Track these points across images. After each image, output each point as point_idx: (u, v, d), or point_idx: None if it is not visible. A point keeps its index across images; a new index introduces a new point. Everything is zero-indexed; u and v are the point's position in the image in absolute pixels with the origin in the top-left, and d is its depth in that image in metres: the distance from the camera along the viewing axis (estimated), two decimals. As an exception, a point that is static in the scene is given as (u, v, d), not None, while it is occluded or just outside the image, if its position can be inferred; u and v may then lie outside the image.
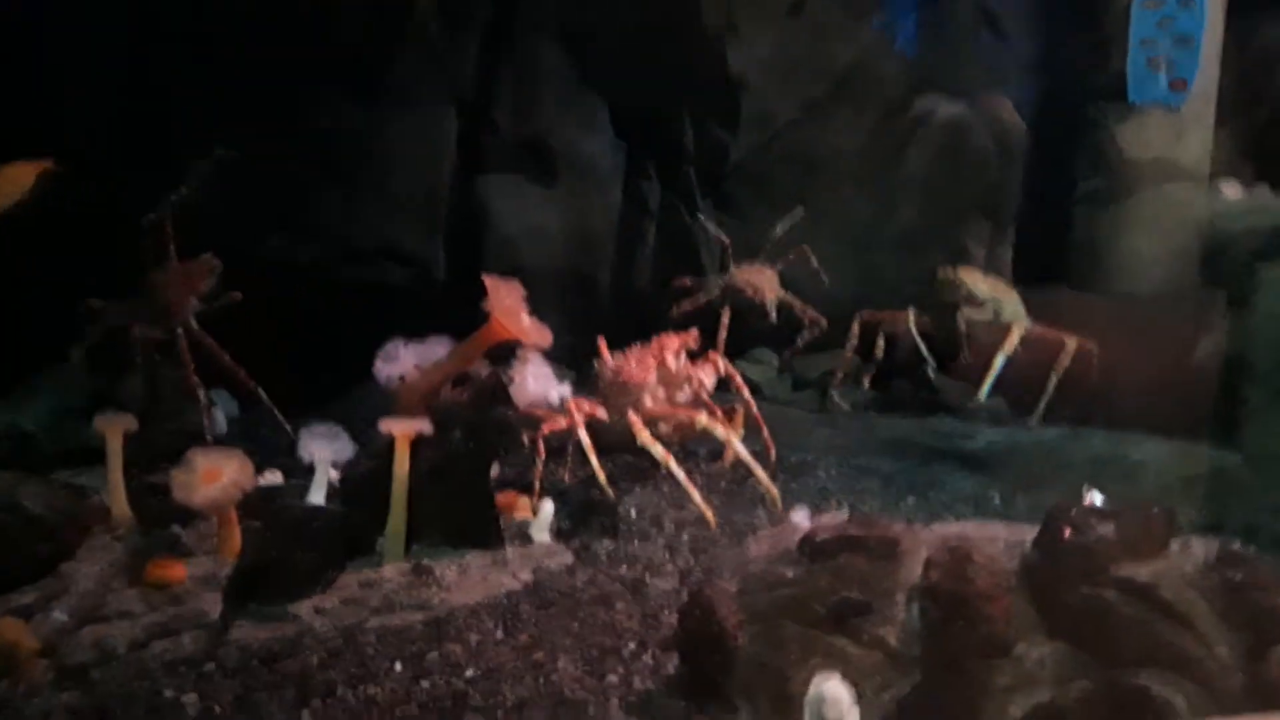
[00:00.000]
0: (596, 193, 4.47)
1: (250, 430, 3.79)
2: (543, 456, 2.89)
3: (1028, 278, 4.92)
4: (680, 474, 2.82)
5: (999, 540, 2.06)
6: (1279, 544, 2.63)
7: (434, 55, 4.19)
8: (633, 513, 2.98)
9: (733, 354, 4.45)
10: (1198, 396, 3.32)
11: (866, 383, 4.26)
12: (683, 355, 3.06)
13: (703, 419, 2.93)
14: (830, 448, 3.69)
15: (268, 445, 3.45)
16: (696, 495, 2.80)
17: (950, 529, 2.20)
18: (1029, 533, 2.09)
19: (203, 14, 3.96)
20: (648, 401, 3.02)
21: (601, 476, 2.81)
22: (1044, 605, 1.91)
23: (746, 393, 3.21)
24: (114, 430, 2.47)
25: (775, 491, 2.88)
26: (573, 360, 3.68)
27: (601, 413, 2.99)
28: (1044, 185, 5.08)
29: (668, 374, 3.04)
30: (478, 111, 4.32)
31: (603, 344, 3.24)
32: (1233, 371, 3.32)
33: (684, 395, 3.09)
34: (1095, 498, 1.93)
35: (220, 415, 3.64)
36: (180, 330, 3.54)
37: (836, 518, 2.13)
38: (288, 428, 3.56)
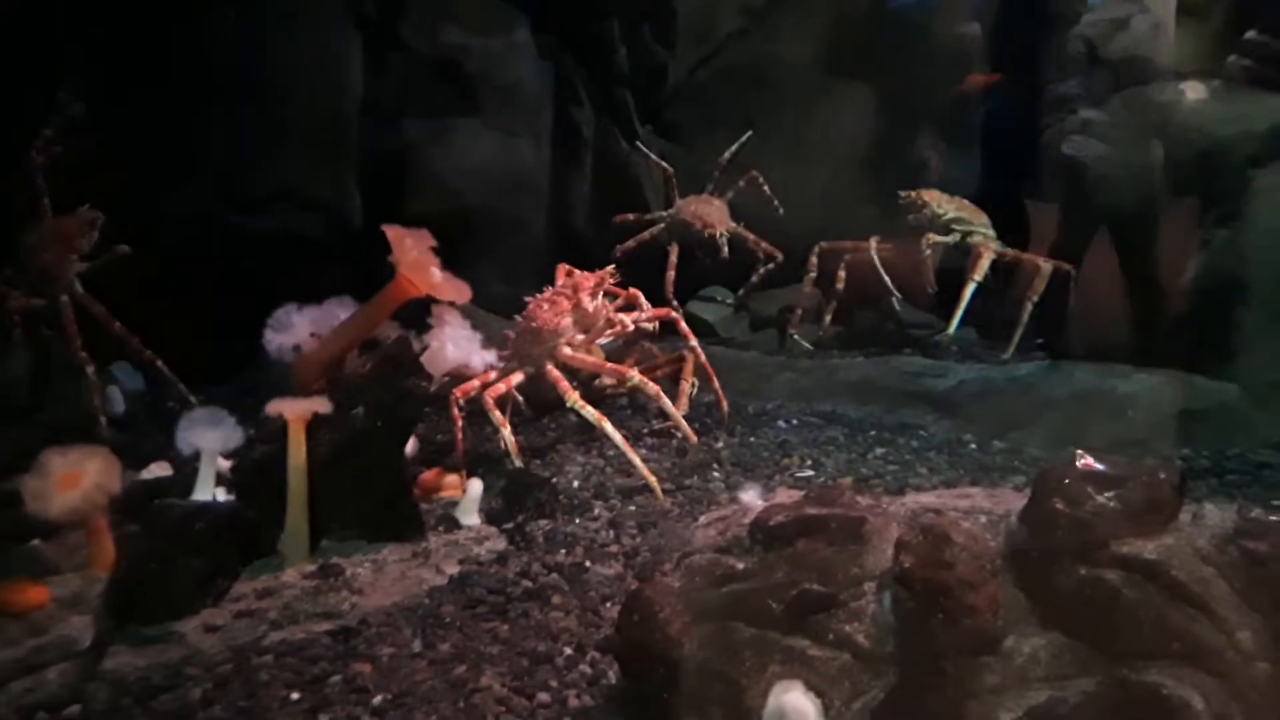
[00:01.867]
0: (524, 121, 4.07)
1: (157, 407, 3.45)
2: (460, 425, 2.58)
3: (992, 193, 4.65)
4: (618, 437, 2.55)
5: (980, 513, 1.80)
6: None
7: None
8: (574, 483, 2.69)
9: (684, 294, 4.17)
10: (1186, 320, 3.07)
11: (828, 318, 3.95)
12: (600, 295, 2.74)
13: (634, 376, 2.62)
14: (792, 393, 3.43)
15: (172, 423, 3.12)
16: (638, 461, 2.54)
17: (923, 499, 1.93)
18: (1014, 501, 1.82)
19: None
20: (565, 350, 2.71)
21: (513, 448, 2.53)
22: (1035, 590, 1.65)
23: (694, 341, 2.92)
24: (-50, 435, 2.12)
25: (694, 438, 2.68)
26: (508, 312, 3.35)
27: (517, 377, 2.67)
28: (1007, 90, 4.76)
29: (585, 316, 2.72)
30: (382, 29, 3.85)
31: (562, 271, 2.92)
32: (1224, 293, 3.06)
33: (606, 340, 2.80)
34: (1090, 461, 1.65)
35: (117, 393, 3.28)
36: (65, 297, 3.18)
37: (790, 495, 1.85)
38: (192, 400, 3.23)
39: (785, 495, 1.93)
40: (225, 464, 2.38)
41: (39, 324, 3.27)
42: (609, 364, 2.89)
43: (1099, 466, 1.67)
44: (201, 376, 3.40)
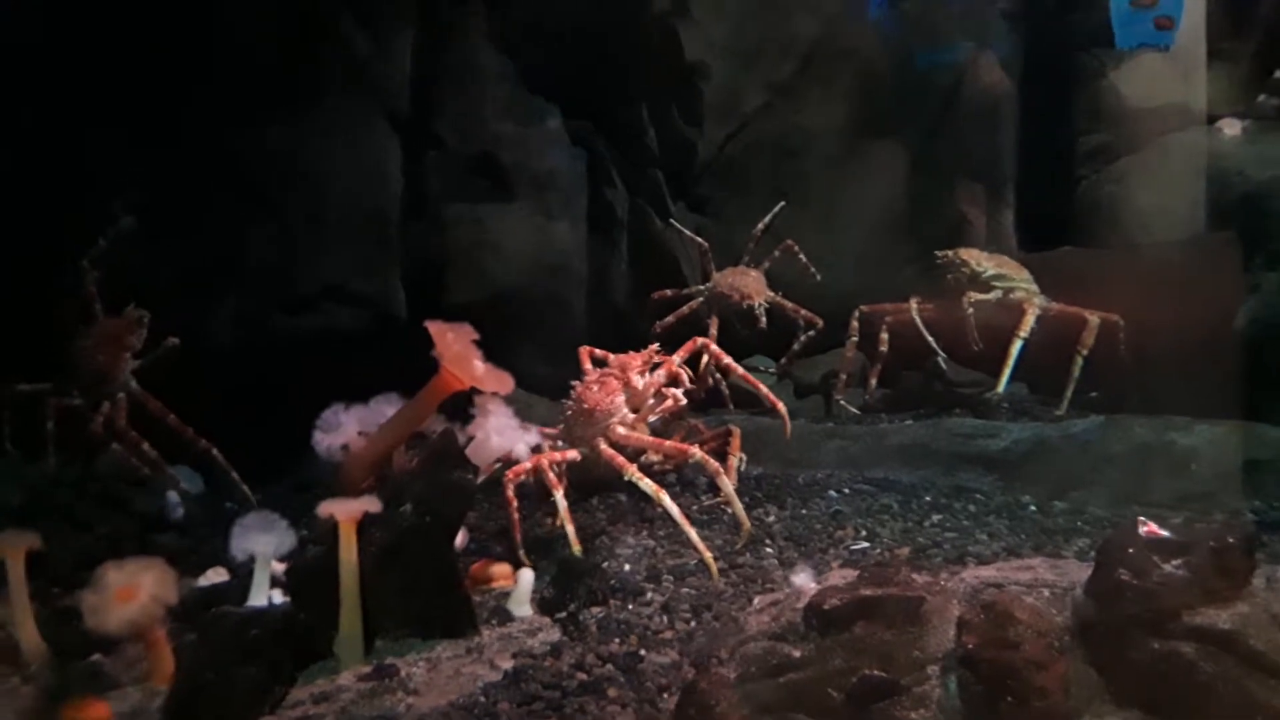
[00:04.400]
0: (559, 207, 4.13)
1: (216, 510, 3.50)
2: (514, 508, 2.57)
3: (1033, 242, 4.61)
4: (676, 511, 2.52)
5: (1043, 586, 1.75)
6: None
7: (362, 69, 3.83)
8: (626, 566, 2.65)
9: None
10: (1241, 367, 2.98)
11: (874, 382, 3.91)
12: (647, 372, 2.77)
13: (695, 453, 2.61)
14: (842, 461, 3.37)
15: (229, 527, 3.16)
16: (695, 537, 2.49)
17: (983, 573, 1.88)
18: (1078, 572, 1.77)
19: (103, 53, 3.62)
20: (619, 430, 2.72)
21: (573, 537, 2.51)
22: (1107, 667, 1.59)
23: (746, 376, 2.99)
24: (13, 552, 2.15)
25: (747, 524, 2.62)
26: (553, 393, 3.36)
27: (572, 453, 2.68)
28: (1040, 143, 4.75)
29: (635, 395, 2.75)
30: (418, 128, 3.97)
31: (585, 354, 2.97)
32: (1274, 337, 2.97)
33: (655, 416, 2.83)
34: (1154, 527, 1.60)
35: (175, 498, 3.32)
36: (122, 395, 3.29)
37: (843, 574, 1.81)
38: (250, 497, 3.29)
39: (838, 575, 1.88)
40: (280, 567, 2.40)
41: (91, 430, 3.37)
42: (666, 441, 2.89)
43: (1163, 533, 1.61)
44: (254, 475, 3.45)
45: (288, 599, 2.32)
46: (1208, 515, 2.69)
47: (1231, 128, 4.03)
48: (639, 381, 2.76)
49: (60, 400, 3.34)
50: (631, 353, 2.87)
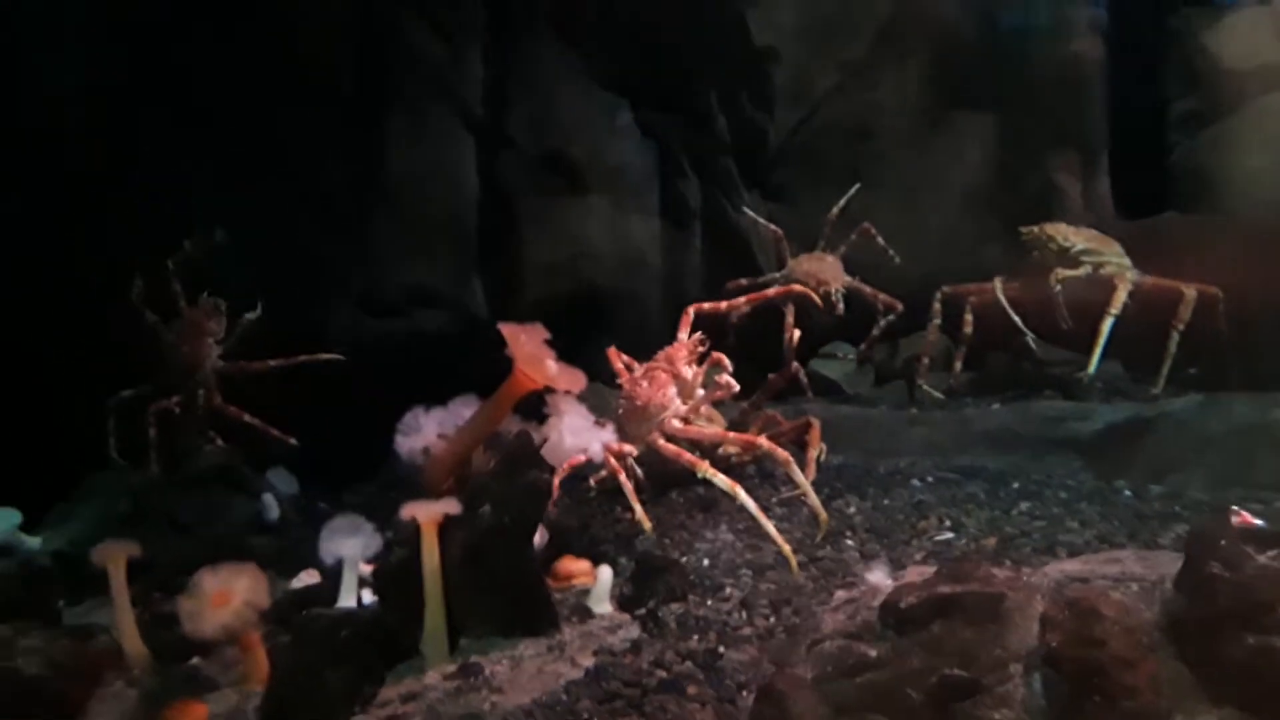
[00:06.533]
0: (632, 200, 4.14)
1: (310, 511, 3.62)
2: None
3: (1132, 209, 4.43)
4: (753, 506, 2.50)
5: (1130, 580, 1.68)
6: None
7: (436, 76, 3.91)
8: (704, 562, 2.65)
9: (805, 354, 4.11)
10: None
11: (959, 365, 3.81)
12: (694, 363, 2.75)
13: (762, 443, 2.59)
14: (925, 449, 3.29)
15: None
16: (774, 531, 2.47)
17: (1067, 566, 1.81)
18: (1169, 564, 1.69)
19: (191, 72, 3.78)
20: (674, 423, 2.70)
21: (642, 516, 2.52)
22: (1200, 663, 1.52)
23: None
24: (115, 560, 2.27)
25: (824, 515, 2.57)
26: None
27: (629, 446, 2.68)
28: (1134, 109, 4.55)
29: (685, 386, 2.72)
30: (492, 130, 4.03)
31: (614, 356, 2.96)
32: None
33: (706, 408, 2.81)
34: (1247, 516, 1.53)
35: (272, 500, 3.45)
36: (213, 378, 3.49)
37: (921, 571, 1.77)
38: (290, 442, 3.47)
39: (919, 570, 1.84)
40: (367, 569, 2.47)
41: (199, 424, 3.53)
42: (731, 433, 2.87)
43: (1257, 523, 1.54)
44: (346, 476, 3.56)
45: (376, 599, 2.38)
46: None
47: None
48: (688, 372, 2.73)
49: (159, 403, 3.49)
50: (676, 343, 2.84)
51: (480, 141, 4.05)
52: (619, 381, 2.89)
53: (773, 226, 4.20)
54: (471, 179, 4.06)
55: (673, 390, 2.74)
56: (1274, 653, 1.45)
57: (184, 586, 2.26)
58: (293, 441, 3.48)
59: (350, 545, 2.41)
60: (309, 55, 3.81)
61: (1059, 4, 4.68)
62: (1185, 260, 3.54)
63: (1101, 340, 3.35)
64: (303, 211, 3.81)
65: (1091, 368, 3.37)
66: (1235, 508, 1.53)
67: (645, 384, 2.75)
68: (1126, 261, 3.58)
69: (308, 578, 2.67)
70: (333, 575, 2.56)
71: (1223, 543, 1.52)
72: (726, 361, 2.79)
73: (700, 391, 2.78)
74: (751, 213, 4.32)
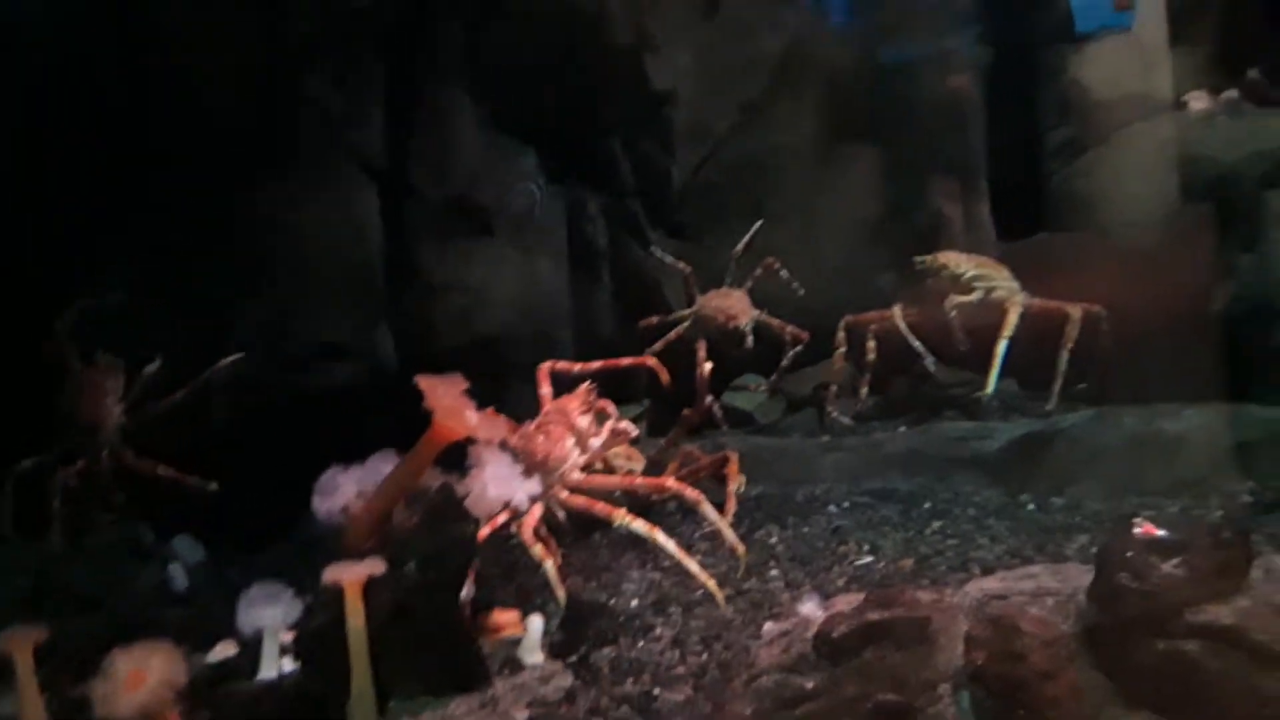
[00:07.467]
0: (540, 244, 4.15)
1: (220, 577, 3.48)
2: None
3: (1011, 232, 4.64)
4: (673, 548, 2.49)
5: (1046, 594, 1.76)
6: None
7: (336, 126, 3.85)
8: (633, 602, 2.66)
9: (718, 387, 4.17)
10: (1225, 349, 3.00)
11: (864, 390, 3.94)
12: (589, 413, 2.74)
13: (670, 484, 2.61)
14: (839, 474, 3.38)
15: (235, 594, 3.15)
16: (697, 569, 2.48)
17: (986, 585, 1.89)
18: (1080, 576, 1.78)
19: (87, 124, 3.65)
20: (575, 475, 2.69)
21: (560, 596, 2.49)
22: (1115, 670, 1.61)
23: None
24: (21, 647, 2.14)
25: (742, 549, 2.57)
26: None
27: (536, 510, 2.62)
28: (1012, 139, 4.79)
29: (582, 436, 2.72)
30: (393, 178, 3.99)
31: (544, 376, 2.97)
32: (1259, 317, 2.99)
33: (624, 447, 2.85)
34: (1150, 527, 1.62)
35: (180, 570, 3.32)
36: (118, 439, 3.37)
37: (850, 600, 1.82)
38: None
39: (844, 601, 1.88)
40: (288, 636, 2.39)
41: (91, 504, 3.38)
42: (638, 479, 2.87)
43: (1160, 533, 1.63)
44: (256, 539, 3.44)
45: (298, 667, 2.31)
46: (1204, 501, 2.70)
47: (1199, 101, 4.06)
48: (583, 422, 2.72)
49: (67, 469, 3.34)
50: (566, 395, 2.82)
51: (383, 190, 4.00)
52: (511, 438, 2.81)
53: (680, 264, 4.28)
54: (375, 227, 4.00)
55: (570, 441, 2.71)
56: (1182, 656, 1.54)
57: (95, 668, 2.16)
58: (212, 485, 3.35)
59: (270, 614, 2.33)
60: (208, 108, 3.73)
61: (939, 40, 4.90)
62: (1057, 275, 3.74)
63: (997, 361, 3.51)
64: (202, 266, 3.71)
65: (990, 388, 3.53)
66: (1138, 519, 1.62)
67: (541, 438, 2.72)
68: (1016, 285, 3.77)
69: (224, 650, 2.57)
70: (251, 645, 2.47)
71: (1129, 554, 1.61)
72: (612, 408, 2.80)
73: (595, 442, 2.75)
74: (659, 252, 4.39)
